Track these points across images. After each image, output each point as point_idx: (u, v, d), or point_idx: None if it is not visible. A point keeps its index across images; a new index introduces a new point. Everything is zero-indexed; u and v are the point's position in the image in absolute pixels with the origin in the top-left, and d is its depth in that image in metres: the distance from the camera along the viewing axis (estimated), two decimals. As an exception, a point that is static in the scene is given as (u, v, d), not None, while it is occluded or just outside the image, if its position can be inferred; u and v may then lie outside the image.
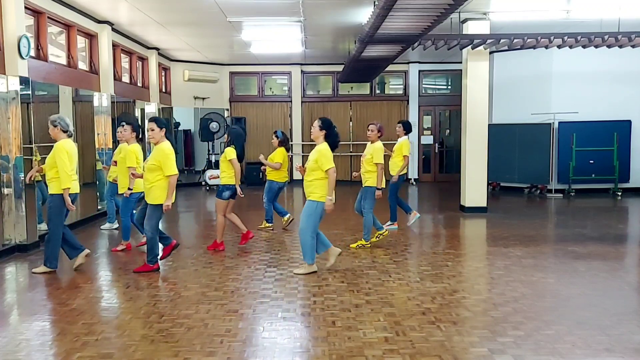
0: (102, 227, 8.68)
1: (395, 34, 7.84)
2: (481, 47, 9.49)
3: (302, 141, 15.60)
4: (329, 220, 8.94)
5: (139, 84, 12.56)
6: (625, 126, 12.11)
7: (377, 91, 16.19)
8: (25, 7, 7.36)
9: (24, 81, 7.05)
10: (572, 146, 12.08)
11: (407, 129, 8.33)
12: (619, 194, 12.07)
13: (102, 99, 9.90)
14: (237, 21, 9.89)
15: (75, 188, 6.01)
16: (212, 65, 15.31)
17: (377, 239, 7.19)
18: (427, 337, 4.06)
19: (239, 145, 7.08)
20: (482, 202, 9.94)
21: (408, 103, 15.81)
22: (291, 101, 15.81)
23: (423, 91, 16.01)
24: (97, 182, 9.93)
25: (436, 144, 15.93)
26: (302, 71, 15.74)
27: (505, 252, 6.87)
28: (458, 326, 4.31)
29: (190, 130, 15.59)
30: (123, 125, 7.14)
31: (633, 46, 9.19)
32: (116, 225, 8.51)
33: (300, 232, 5.84)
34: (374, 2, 7.62)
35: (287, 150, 8.92)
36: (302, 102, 15.81)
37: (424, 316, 4.52)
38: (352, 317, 4.51)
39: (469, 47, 9.41)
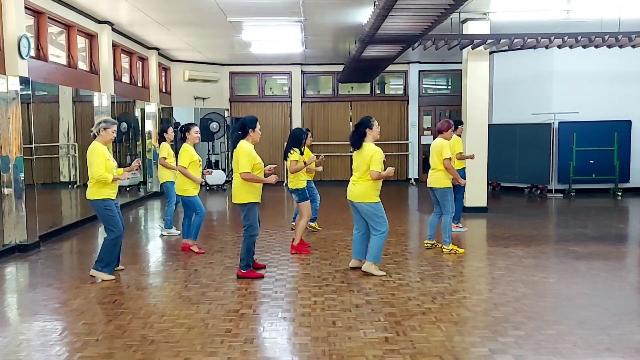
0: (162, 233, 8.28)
1: (396, 34, 7.84)
2: (481, 47, 9.49)
3: (302, 141, 15.57)
4: (330, 220, 8.95)
5: (139, 84, 12.56)
6: (625, 126, 12.10)
7: (378, 91, 16.19)
8: (25, 7, 7.36)
9: (24, 81, 7.04)
10: (572, 146, 12.07)
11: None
12: (619, 194, 12.06)
13: (102, 99, 9.90)
14: (237, 21, 9.89)
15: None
16: (212, 65, 15.31)
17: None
18: (428, 337, 4.05)
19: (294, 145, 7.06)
20: (483, 202, 9.93)
21: (408, 103, 15.80)
22: (291, 101, 15.80)
23: (423, 91, 16.00)
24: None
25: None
26: (302, 71, 15.73)
27: (506, 252, 6.87)
28: (459, 326, 4.31)
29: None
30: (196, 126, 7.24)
31: (633, 46, 9.19)
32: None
33: None
34: (374, 2, 7.62)
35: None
36: (302, 102, 15.80)
37: (425, 316, 4.52)
38: (352, 317, 4.51)
39: (469, 47, 9.41)
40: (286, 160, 7.11)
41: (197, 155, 7.07)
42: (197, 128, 7.18)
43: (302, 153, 7.13)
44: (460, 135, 8.43)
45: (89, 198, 5.63)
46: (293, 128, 7.46)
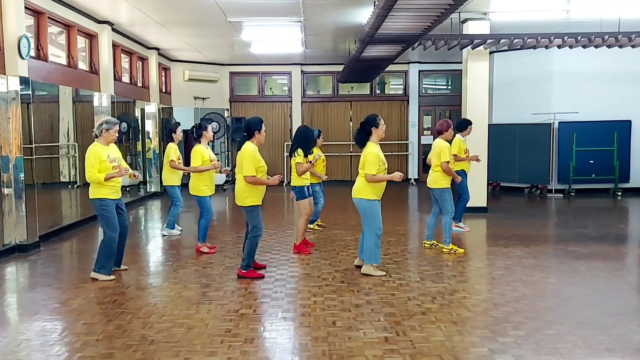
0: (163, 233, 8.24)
1: (396, 34, 7.84)
2: (481, 47, 9.49)
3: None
4: (330, 220, 8.95)
5: (139, 84, 12.56)
6: (625, 126, 12.10)
7: (377, 91, 16.19)
8: (25, 7, 7.36)
9: (24, 81, 7.04)
10: (572, 146, 12.08)
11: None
12: (619, 194, 12.06)
13: (102, 99, 9.90)
14: (237, 21, 9.89)
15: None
16: (212, 65, 15.31)
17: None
18: (428, 337, 4.05)
19: (302, 146, 6.89)
20: (483, 202, 9.92)
21: (408, 103, 15.81)
22: (291, 101, 15.80)
23: (423, 91, 16.00)
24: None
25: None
26: (302, 71, 15.74)
27: (506, 252, 6.87)
28: (458, 326, 4.31)
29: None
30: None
31: (633, 46, 9.19)
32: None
33: None
34: (374, 2, 7.62)
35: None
36: (302, 102, 15.80)
37: (425, 316, 4.52)
38: (352, 317, 4.51)
39: (469, 47, 9.41)
40: (292, 157, 6.98)
41: (212, 154, 7.06)
42: (210, 127, 7.17)
43: (307, 155, 6.93)
44: (465, 134, 8.22)
45: (90, 197, 5.66)
46: (300, 126, 7.32)
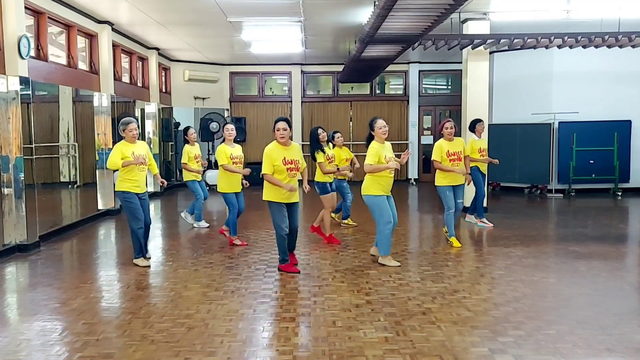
0: (194, 225, 8.73)
1: (396, 34, 7.84)
2: (481, 47, 9.50)
3: (302, 141, 15.57)
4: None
5: (139, 84, 12.56)
6: (625, 126, 12.11)
7: (378, 91, 16.20)
8: (25, 7, 7.36)
9: (24, 81, 7.04)
10: (572, 146, 12.08)
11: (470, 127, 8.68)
12: (619, 194, 12.06)
13: (102, 99, 9.90)
14: (237, 21, 9.89)
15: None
16: (212, 65, 15.31)
17: None
18: (428, 337, 4.05)
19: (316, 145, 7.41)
20: (483, 202, 9.90)
21: (408, 103, 15.81)
22: (291, 101, 15.80)
23: (423, 91, 16.01)
24: (97, 182, 9.90)
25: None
26: (302, 71, 15.74)
27: (506, 252, 6.87)
28: (459, 326, 4.31)
29: (190, 130, 15.63)
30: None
31: (633, 46, 9.20)
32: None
33: None
34: (374, 2, 7.62)
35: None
36: (302, 102, 15.81)
37: (425, 316, 4.52)
38: (352, 317, 4.51)
39: (469, 47, 9.41)
40: (315, 160, 7.48)
41: (239, 153, 7.37)
42: (229, 126, 7.45)
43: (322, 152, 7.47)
44: (477, 133, 8.54)
45: (115, 190, 6.35)
46: (312, 128, 7.97)
